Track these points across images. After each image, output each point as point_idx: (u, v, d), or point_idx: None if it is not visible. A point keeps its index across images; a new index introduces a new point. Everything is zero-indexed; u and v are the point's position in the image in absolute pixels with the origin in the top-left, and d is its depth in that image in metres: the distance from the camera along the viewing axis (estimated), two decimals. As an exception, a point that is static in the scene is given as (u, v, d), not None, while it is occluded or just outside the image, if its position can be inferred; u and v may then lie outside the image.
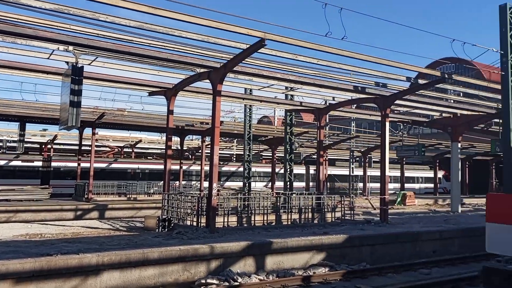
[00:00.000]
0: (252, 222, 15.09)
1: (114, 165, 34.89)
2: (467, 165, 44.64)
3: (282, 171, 30.64)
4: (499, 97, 16.88)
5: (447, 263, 12.78)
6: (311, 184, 40.94)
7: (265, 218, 15.38)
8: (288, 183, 23.59)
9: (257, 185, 38.91)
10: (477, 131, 26.41)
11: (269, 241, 10.87)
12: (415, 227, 14.97)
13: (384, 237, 12.84)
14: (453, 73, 24.49)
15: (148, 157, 46.08)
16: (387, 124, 17.45)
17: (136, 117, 27.15)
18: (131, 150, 44.01)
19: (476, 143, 36.45)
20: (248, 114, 28.51)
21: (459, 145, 23.90)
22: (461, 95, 23.12)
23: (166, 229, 14.03)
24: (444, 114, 23.70)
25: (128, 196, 29.05)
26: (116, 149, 44.39)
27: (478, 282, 9.23)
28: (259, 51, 12.46)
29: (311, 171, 41.88)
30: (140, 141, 42.72)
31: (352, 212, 17.78)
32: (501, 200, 6.30)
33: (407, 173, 45.54)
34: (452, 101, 22.73)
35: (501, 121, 18.05)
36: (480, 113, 22.13)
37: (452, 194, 24.22)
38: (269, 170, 36.57)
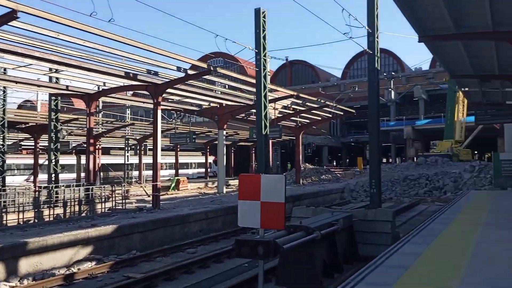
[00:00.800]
0: (4, 222, 13.02)
1: None
2: (232, 150, 49.77)
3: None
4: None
5: (212, 240, 14.01)
6: (83, 175, 38.20)
7: (22, 216, 13.51)
8: (54, 175, 21.38)
9: (16, 180, 33.84)
10: (239, 119, 29.64)
11: (23, 242, 9.56)
12: (184, 210, 15.77)
13: (154, 222, 13.06)
14: (220, 67, 26.82)
15: None
16: (159, 111, 17.74)
17: None
18: None
19: (239, 131, 41.02)
20: (1, 97, 24.37)
21: (225, 132, 26.41)
22: (227, 87, 25.54)
23: None
24: (212, 104, 25.71)
25: None
26: None
27: (234, 254, 10.33)
28: (11, 24, 10.78)
29: (84, 161, 39.06)
30: None
31: (124, 201, 17.46)
32: (249, 180, 7.02)
33: (182, 160, 47.69)
34: (219, 92, 24.84)
35: (256, 111, 20.73)
36: (241, 104, 24.94)
37: (218, 177, 26.63)
38: (32, 161, 32.33)
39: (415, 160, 42.36)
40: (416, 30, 11.10)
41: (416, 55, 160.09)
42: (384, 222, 10.55)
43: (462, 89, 22.94)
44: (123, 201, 17.42)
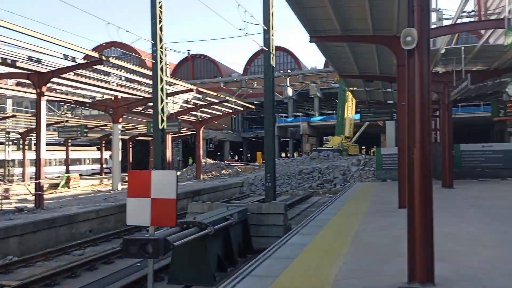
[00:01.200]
0: None
1: None
2: (131, 145, 47.70)
3: None
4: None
5: (103, 240, 13.23)
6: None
7: None
8: None
9: None
10: (137, 113, 28.46)
11: None
12: (73, 209, 14.66)
13: (35, 224, 11.91)
14: (117, 57, 25.41)
15: None
16: (44, 102, 16.20)
17: None
18: None
19: (138, 125, 39.43)
20: None
21: (120, 126, 25.14)
22: (123, 79, 24.26)
23: None
24: (106, 96, 24.28)
25: None
26: None
27: (123, 254, 9.86)
28: None
29: (-47, 157, 34.35)
30: None
31: (1, 201, 15.67)
32: (138, 176, 6.72)
33: (75, 155, 44.42)
34: (115, 84, 23.49)
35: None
36: (138, 97, 23.92)
37: (113, 173, 25.29)
38: None
39: (310, 154, 44.84)
40: (307, 31, 11.63)
41: (313, 55, 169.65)
42: (277, 214, 10.94)
43: (350, 88, 24.75)
44: (0, 201, 15.64)
